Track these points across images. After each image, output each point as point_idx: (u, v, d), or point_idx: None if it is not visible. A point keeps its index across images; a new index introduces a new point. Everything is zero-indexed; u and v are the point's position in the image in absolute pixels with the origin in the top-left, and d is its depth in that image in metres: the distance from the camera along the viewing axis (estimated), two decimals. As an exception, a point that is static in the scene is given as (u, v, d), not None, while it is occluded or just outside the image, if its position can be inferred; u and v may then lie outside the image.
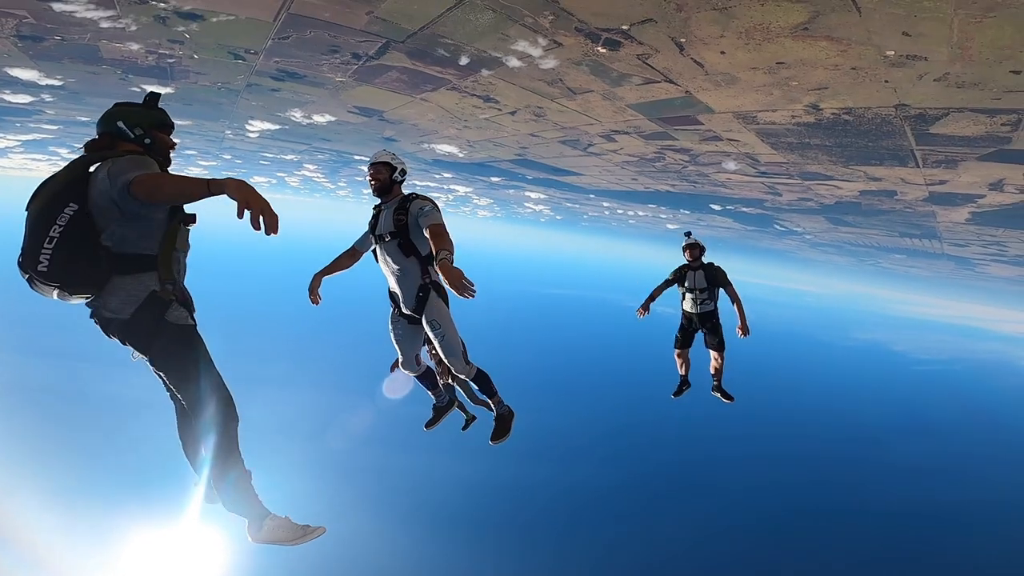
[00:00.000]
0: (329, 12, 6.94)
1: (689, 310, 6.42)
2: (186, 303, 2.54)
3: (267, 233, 1.98)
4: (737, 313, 6.05)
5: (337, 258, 3.93)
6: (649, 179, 17.03)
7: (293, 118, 14.09)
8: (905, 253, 24.26)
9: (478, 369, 3.76)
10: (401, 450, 34.09)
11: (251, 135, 17.25)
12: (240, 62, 9.32)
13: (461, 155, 17.24)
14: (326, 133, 15.95)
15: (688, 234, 6.64)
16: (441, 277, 2.82)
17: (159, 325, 2.39)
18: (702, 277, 6.23)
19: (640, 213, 26.97)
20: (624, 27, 6.39)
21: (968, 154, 9.10)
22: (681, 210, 23.53)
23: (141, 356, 2.48)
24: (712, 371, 6.64)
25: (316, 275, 3.77)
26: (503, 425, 3.83)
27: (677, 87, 8.02)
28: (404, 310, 3.71)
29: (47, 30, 8.08)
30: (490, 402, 3.92)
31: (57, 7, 7.06)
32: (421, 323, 3.67)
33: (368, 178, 3.75)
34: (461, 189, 27.97)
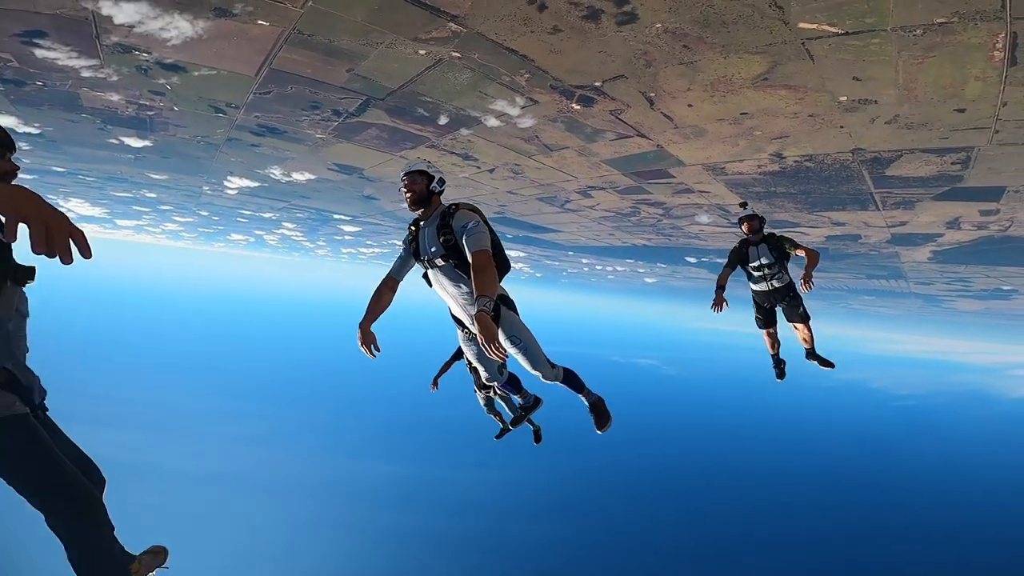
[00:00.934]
0: (310, 68, 7.12)
1: (761, 288, 5.91)
2: (13, 385, 2.00)
3: (65, 260, 1.28)
4: (808, 267, 5.39)
5: (376, 298, 3.36)
6: (626, 234, 17.46)
7: (272, 175, 14.17)
8: (874, 294, 25.05)
9: (564, 368, 3.67)
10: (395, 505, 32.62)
11: (230, 191, 17.27)
12: (221, 116, 9.43)
13: None
14: (305, 191, 16.05)
15: (744, 204, 5.99)
16: (475, 326, 2.58)
17: None
18: (767, 250, 5.67)
19: (619, 268, 27.40)
20: (597, 84, 6.67)
21: (924, 194, 9.55)
22: (658, 264, 23.96)
23: None
24: (803, 342, 6.22)
25: (363, 325, 3.20)
26: (601, 412, 3.81)
27: (649, 141, 8.33)
28: (474, 330, 3.47)
29: (30, 75, 8.12)
30: (581, 396, 3.86)
31: (40, 53, 7.11)
32: None
33: (403, 190, 3.32)
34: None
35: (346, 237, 27.36)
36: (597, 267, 28.22)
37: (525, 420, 4.83)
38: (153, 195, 19.97)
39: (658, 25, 5.39)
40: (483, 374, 3.83)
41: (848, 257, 16.44)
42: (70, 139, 11.55)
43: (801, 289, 5.27)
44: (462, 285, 3.22)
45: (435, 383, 6.76)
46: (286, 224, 25.50)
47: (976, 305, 23.60)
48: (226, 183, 16.07)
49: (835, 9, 4.74)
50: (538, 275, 38.34)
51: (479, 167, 11.09)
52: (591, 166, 10.07)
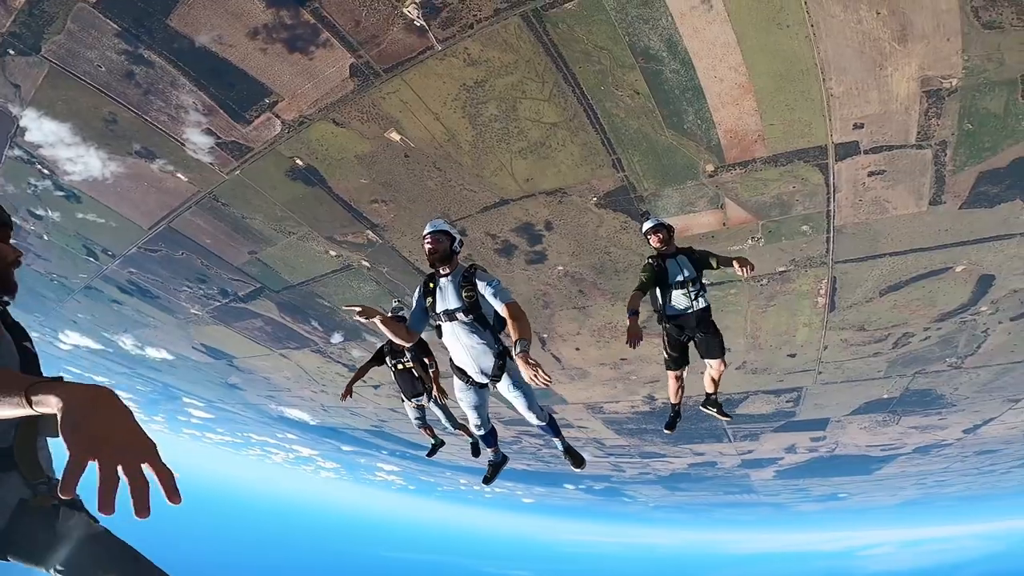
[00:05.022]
0: (211, 240, 6.79)
1: (680, 310, 4.72)
2: (77, 503, 1.79)
3: (140, 514, 0.94)
4: (736, 261, 4.25)
5: (396, 335, 3.56)
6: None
7: (121, 344, 12.38)
8: (732, 507, 27.65)
9: (549, 415, 4.05)
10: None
11: (62, 345, 14.58)
12: (91, 260, 8.30)
13: (312, 421, 16.09)
14: (158, 364, 14.07)
15: (645, 214, 4.96)
16: (520, 365, 2.91)
17: (51, 547, 1.65)
18: (687, 263, 4.57)
19: (496, 489, 26.78)
20: (498, 320, 7.01)
21: (766, 428, 11.17)
22: (536, 487, 24.46)
23: None
24: (709, 382, 5.20)
25: (378, 314, 3.46)
26: (575, 454, 4.27)
27: (537, 381, 8.74)
28: (478, 379, 3.70)
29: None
30: (557, 440, 4.23)
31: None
32: (488, 387, 3.78)
33: (426, 246, 3.51)
34: (306, 451, 25.10)
35: (193, 420, 23.60)
36: (474, 487, 27.35)
37: (495, 477, 4.87)
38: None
39: (560, 268, 5.98)
40: (472, 422, 4.04)
41: (708, 479, 18.29)
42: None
43: (741, 272, 4.17)
44: (477, 337, 3.49)
45: (350, 391, 5.56)
46: (119, 392, 21.61)
47: (817, 506, 26.54)
48: (61, 336, 13.65)
49: (706, 260, 5.68)
50: (411, 487, 35.62)
51: (364, 381, 10.65)
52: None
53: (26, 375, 1.16)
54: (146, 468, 0.99)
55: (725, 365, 4.96)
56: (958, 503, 27.59)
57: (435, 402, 5.82)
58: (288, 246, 6.57)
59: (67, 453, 0.96)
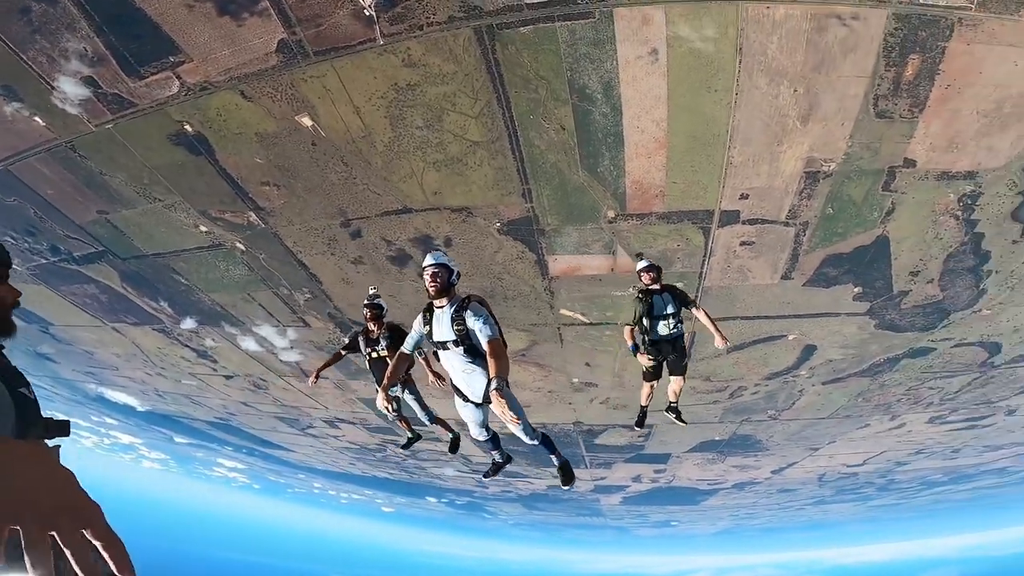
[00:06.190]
0: (55, 191, 5.72)
1: (661, 336, 5.59)
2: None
3: None
4: (712, 326, 5.36)
5: (397, 366, 3.86)
6: (368, 465, 16.94)
7: None
8: (582, 528, 29.91)
9: (542, 434, 4.22)
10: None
11: None
12: None
13: (141, 407, 14.13)
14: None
15: (640, 255, 5.66)
16: (492, 399, 3.06)
17: None
18: (671, 299, 5.42)
19: (354, 496, 25.97)
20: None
21: (618, 458, 12.30)
22: (397, 496, 23.92)
23: None
24: (672, 394, 6.12)
25: (384, 388, 3.71)
26: (568, 471, 4.43)
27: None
28: (473, 399, 3.90)
29: None
30: (553, 457, 4.42)
31: None
32: (484, 406, 3.97)
33: (427, 279, 3.62)
34: (126, 438, 21.77)
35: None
36: (330, 491, 26.21)
37: (497, 473, 5.13)
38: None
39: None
40: (472, 430, 4.23)
41: (563, 501, 19.80)
42: None
43: (721, 346, 5.24)
44: (468, 364, 3.68)
45: (317, 376, 5.43)
46: None
47: (653, 532, 29.29)
48: None
49: (590, 301, 6.04)
50: (256, 486, 32.54)
51: (215, 370, 9.57)
52: (346, 401, 9.76)
53: None
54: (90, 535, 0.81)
55: (684, 381, 6.01)
56: (761, 534, 31.98)
57: (410, 392, 5.59)
58: (149, 212, 5.74)
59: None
